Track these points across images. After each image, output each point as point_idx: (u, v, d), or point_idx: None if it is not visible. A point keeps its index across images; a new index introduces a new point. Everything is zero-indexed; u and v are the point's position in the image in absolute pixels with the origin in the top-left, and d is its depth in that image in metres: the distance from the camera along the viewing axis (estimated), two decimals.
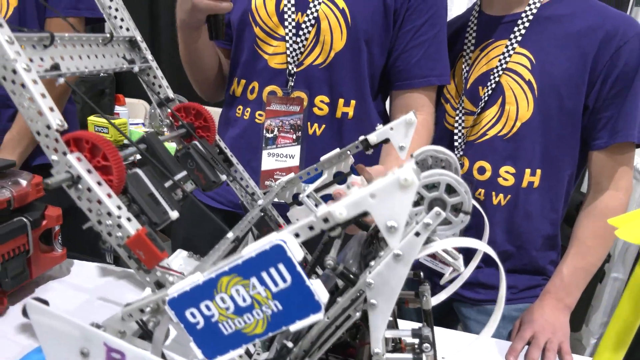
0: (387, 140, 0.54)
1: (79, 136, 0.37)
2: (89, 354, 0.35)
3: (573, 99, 0.86)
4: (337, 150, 0.61)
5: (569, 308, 0.87)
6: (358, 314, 0.41)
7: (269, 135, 0.92)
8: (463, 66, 0.95)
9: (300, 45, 0.90)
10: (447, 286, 0.51)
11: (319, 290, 0.31)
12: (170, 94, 0.57)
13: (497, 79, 0.89)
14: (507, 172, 0.91)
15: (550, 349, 0.79)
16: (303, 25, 0.90)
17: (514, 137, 0.89)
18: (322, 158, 0.61)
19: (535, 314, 0.86)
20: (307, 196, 0.54)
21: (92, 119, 1.88)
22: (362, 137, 0.56)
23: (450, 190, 0.38)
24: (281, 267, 0.31)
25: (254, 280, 0.31)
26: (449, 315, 1.05)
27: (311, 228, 0.33)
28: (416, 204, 0.39)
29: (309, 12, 0.89)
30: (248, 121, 0.96)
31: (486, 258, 0.98)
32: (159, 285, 0.38)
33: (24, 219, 0.80)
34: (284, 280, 0.31)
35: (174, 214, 0.42)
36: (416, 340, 0.44)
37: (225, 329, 0.33)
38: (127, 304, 0.43)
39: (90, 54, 0.47)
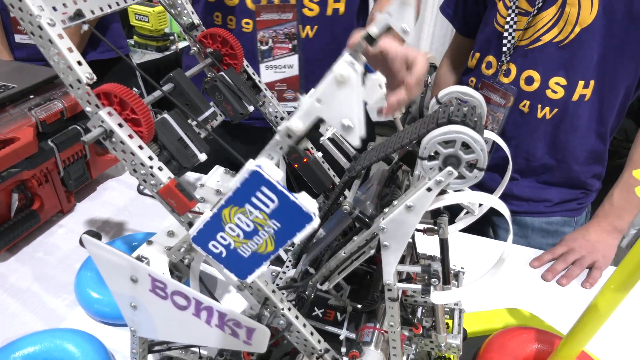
0: (389, 29, 0.51)
1: (107, 90, 0.39)
2: (137, 281, 0.42)
3: None
4: (347, 52, 0.58)
5: (619, 232, 0.85)
6: (372, 251, 0.45)
7: (264, 47, 0.88)
8: None
9: None
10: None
11: (306, 202, 0.33)
12: (196, 20, 0.56)
13: None
14: (557, 83, 0.85)
15: (579, 264, 0.80)
16: None
17: (570, 44, 0.81)
18: (334, 65, 0.59)
19: (577, 233, 0.86)
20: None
21: (133, 7, 1.84)
22: (363, 32, 0.53)
23: (467, 145, 0.37)
24: (265, 189, 0.33)
25: (248, 206, 0.34)
26: (482, 220, 1.09)
27: (280, 148, 0.35)
28: (432, 158, 0.39)
29: None
30: (235, 31, 0.92)
31: (524, 170, 0.96)
32: (191, 225, 0.42)
33: (78, 127, 0.86)
34: (272, 200, 0.33)
35: (202, 157, 0.45)
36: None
37: (243, 252, 0.38)
38: (170, 231, 0.49)
39: None
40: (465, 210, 0.48)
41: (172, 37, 1.94)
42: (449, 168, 0.36)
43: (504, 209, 0.39)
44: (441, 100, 0.46)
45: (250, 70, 0.59)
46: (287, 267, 0.59)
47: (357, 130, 0.31)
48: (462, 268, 0.65)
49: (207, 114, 0.49)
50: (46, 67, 1.12)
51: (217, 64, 0.55)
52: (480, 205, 0.50)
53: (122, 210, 0.91)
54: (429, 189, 0.38)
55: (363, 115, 0.32)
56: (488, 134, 0.44)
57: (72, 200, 0.89)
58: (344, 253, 0.45)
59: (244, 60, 0.58)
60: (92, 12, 0.44)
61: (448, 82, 1.10)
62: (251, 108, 0.55)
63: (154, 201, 0.96)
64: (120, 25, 1.34)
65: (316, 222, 0.34)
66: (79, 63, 0.39)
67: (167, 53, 1.91)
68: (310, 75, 0.93)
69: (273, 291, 0.44)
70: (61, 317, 0.66)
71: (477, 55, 0.95)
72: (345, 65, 0.29)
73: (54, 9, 0.40)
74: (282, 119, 0.63)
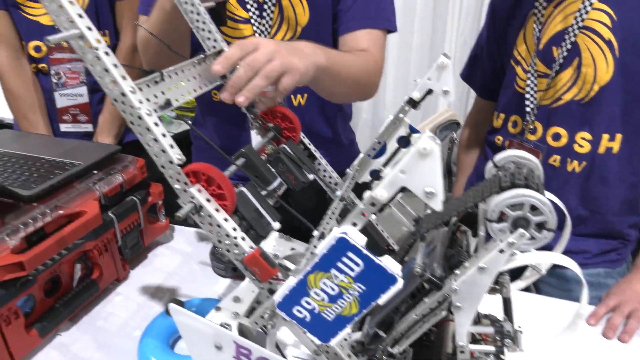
0: (430, 91, 0.55)
1: (196, 169, 0.43)
2: (222, 348, 0.43)
3: None
4: (390, 117, 0.62)
5: None
6: (444, 313, 0.46)
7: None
8: (534, 25, 0.89)
9: (267, 25, 0.90)
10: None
11: (390, 264, 0.36)
12: (256, 98, 0.61)
13: (572, 39, 0.84)
14: (583, 138, 0.88)
15: (635, 317, 0.79)
16: (265, 6, 0.88)
17: (591, 101, 0.85)
18: (380, 130, 0.63)
19: (622, 285, 0.86)
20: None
21: None
22: (406, 97, 0.57)
23: (534, 207, 0.40)
24: (350, 254, 0.36)
25: (333, 271, 0.37)
26: (522, 270, 1.08)
27: (363, 215, 0.37)
28: (500, 220, 0.41)
29: None
30: (233, 105, 0.99)
31: (559, 223, 0.97)
32: (271, 291, 0.44)
33: (135, 198, 0.91)
34: (357, 264, 0.36)
35: (275, 225, 0.48)
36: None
37: (327, 316, 0.39)
38: (236, 296, 0.51)
39: (190, 77, 0.52)
40: (529, 269, 0.49)
41: None
42: (521, 230, 0.38)
43: (575, 266, 0.40)
44: (498, 164, 0.49)
45: (306, 141, 0.64)
46: (348, 333, 0.60)
47: (439, 196, 0.34)
48: (519, 327, 0.65)
49: (275, 184, 0.53)
50: (105, 144, 1.22)
51: (279, 137, 0.59)
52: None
53: (173, 275, 0.94)
54: (501, 251, 0.40)
55: (443, 182, 0.35)
56: (547, 194, 0.46)
57: (126, 268, 0.93)
58: (415, 315, 0.46)
59: (300, 132, 0.62)
60: (177, 100, 0.49)
61: (472, 142, 1.15)
62: (311, 176, 0.59)
63: (201, 266, 0.98)
64: None
65: (400, 283, 0.36)
66: (171, 146, 0.43)
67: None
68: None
69: (349, 355, 0.45)
70: None
71: (502, 115, 1.00)
72: (428, 140, 0.32)
73: (148, 100, 0.46)
74: (336, 184, 0.66)
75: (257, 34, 0.90)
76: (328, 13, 0.91)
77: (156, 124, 0.43)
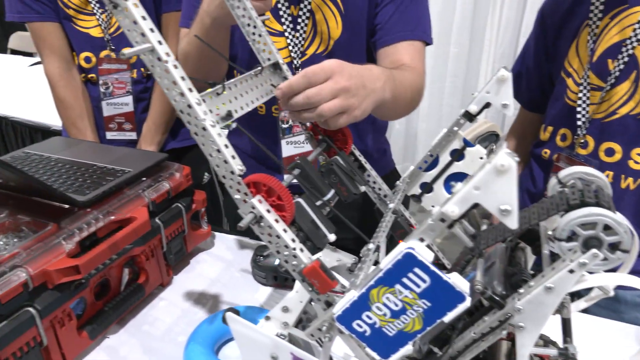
0: (488, 105, 0.54)
1: (257, 180, 0.44)
2: (278, 358, 0.43)
3: None
4: (444, 130, 0.61)
5: None
6: (504, 332, 0.44)
7: (285, 125, 0.96)
8: (588, 37, 0.87)
9: (300, 38, 0.91)
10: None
11: (458, 282, 0.35)
12: None
13: (630, 52, 0.81)
14: (639, 154, 0.84)
15: None
16: (299, 19, 0.89)
17: None
18: (433, 143, 0.62)
19: None
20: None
21: None
22: (462, 110, 0.57)
23: (607, 227, 0.38)
24: (417, 270, 0.35)
25: (398, 287, 0.36)
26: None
27: (433, 230, 0.36)
28: (569, 239, 0.40)
29: (302, 5, 0.88)
30: (265, 115, 1.00)
31: None
32: (328, 304, 0.44)
33: (180, 205, 0.93)
34: (424, 280, 0.35)
35: (331, 237, 0.48)
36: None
37: (388, 331, 0.39)
38: (284, 306, 0.51)
39: (248, 89, 0.53)
40: (595, 289, 0.47)
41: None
42: (594, 250, 0.37)
43: None
44: (563, 180, 0.47)
45: (357, 152, 0.64)
46: None
47: (514, 214, 0.33)
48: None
49: (329, 195, 0.53)
50: (152, 152, 1.25)
51: (332, 145, 0.59)
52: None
53: (215, 282, 0.95)
54: (571, 271, 0.38)
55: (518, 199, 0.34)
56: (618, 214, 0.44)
57: (170, 274, 0.94)
58: (474, 334, 0.45)
59: (352, 145, 0.62)
60: (236, 111, 0.50)
61: (516, 154, 1.12)
62: (363, 188, 0.59)
63: (242, 274, 0.99)
64: None
65: (468, 301, 0.35)
66: (233, 157, 0.44)
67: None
68: None
69: None
70: None
71: (550, 128, 0.97)
72: (506, 156, 0.31)
73: (210, 111, 0.47)
74: (385, 196, 0.65)
75: (290, 47, 0.92)
76: (362, 28, 0.92)
77: (219, 135, 0.43)
